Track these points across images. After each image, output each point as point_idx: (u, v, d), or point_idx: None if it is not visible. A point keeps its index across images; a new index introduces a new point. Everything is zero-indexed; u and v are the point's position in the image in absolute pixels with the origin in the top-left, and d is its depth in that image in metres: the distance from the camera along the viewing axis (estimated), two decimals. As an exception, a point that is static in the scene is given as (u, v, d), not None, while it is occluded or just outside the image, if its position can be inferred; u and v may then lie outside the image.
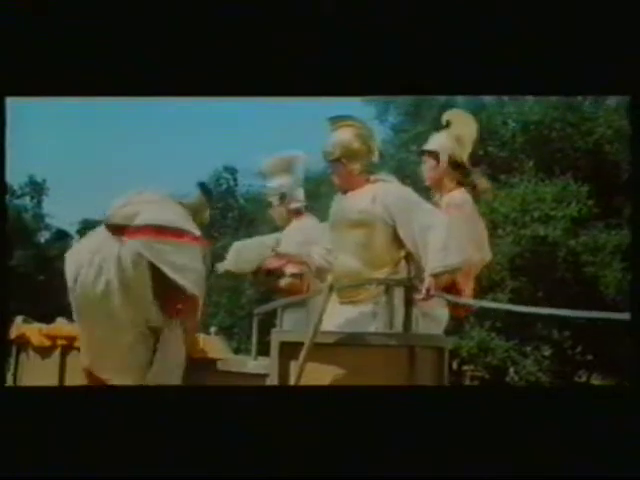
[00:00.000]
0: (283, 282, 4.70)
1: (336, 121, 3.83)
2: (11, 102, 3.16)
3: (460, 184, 4.05)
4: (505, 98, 15.01)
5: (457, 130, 4.12)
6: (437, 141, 4.15)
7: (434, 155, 4.08)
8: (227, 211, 19.90)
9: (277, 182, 4.95)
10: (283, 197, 4.91)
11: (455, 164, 4.06)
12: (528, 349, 12.08)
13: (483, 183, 4.09)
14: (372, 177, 3.79)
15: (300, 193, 4.97)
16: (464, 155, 4.11)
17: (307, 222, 4.85)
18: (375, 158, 3.85)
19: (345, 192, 3.81)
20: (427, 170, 4.11)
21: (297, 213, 4.92)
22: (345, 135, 3.77)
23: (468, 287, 3.87)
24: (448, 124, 4.15)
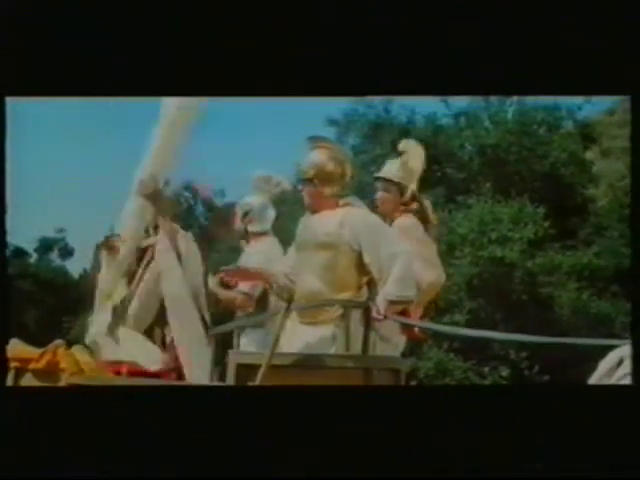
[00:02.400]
0: (230, 296, 4.67)
1: (314, 141, 3.86)
2: (11, 102, 3.17)
3: (409, 212, 4.12)
4: (462, 122, 15.27)
5: (410, 160, 4.22)
6: (392, 169, 4.22)
7: (390, 182, 4.19)
8: (186, 230, 19.81)
9: (248, 198, 4.94)
10: (245, 215, 4.88)
11: (407, 193, 4.16)
12: (486, 369, 12.18)
13: (431, 215, 4.17)
14: (342, 201, 3.82)
15: (268, 216, 4.92)
16: (414, 184, 4.20)
17: (267, 244, 4.81)
18: (348, 182, 3.89)
19: (313, 212, 3.83)
20: (381, 197, 4.18)
21: (257, 235, 4.87)
22: (321, 156, 3.80)
23: (416, 314, 3.93)
24: (402, 153, 4.25)
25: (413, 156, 4.24)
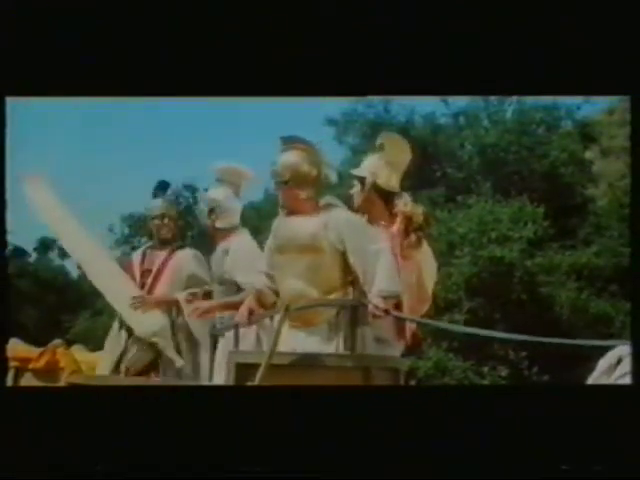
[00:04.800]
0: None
1: (288, 142, 3.79)
2: (11, 102, 3.18)
3: (390, 211, 4.01)
4: (461, 122, 15.28)
5: (389, 155, 4.02)
6: (365, 166, 4.06)
7: (360, 180, 4.01)
8: (186, 230, 19.80)
9: (214, 193, 4.62)
10: (212, 211, 4.54)
11: (381, 190, 3.98)
12: (485, 369, 12.19)
13: (409, 210, 4.00)
14: (322, 201, 3.80)
15: (235, 210, 4.60)
16: (393, 180, 4.02)
17: (240, 241, 4.52)
18: (324, 182, 3.82)
19: (289, 214, 3.80)
20: (355, 194, 4.04)
21: (227, 231, 4.56)
22: (295, 158, 3.74)
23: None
24: (381, 148, 4.05)
25: (394, 151, 4.02)
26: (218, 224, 4.56)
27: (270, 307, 3.87)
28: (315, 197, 3.77)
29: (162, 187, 4.96)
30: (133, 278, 4.92)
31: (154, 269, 4.86)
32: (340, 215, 3.72)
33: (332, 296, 3.66)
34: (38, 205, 4.87)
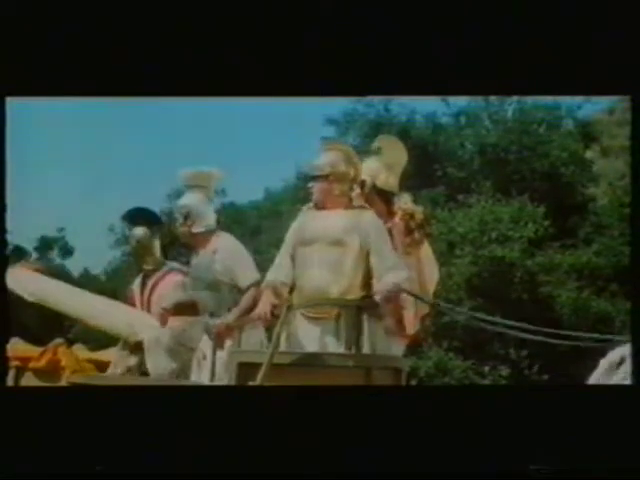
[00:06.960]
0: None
1: (330, 142, 3.97)
2: (11, 102, 3.20)
3: (388, 210, 4.12)
4: (462, 121, 15.27)
5: (386, 157, 4.19)
6: (364, 169, 4.20)
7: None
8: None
9: (185, 199, 4.60)
10: (187, 217, 4.52)
11: (380, 190, 4.15)
12: (486, 369, 12.18)
13: (410, 207, 4.10)
14: (355, 202, 3.89)
15: (209, 213, 4.58)
16: (391, 181, 4.18)
17: (223, 245, 4.50)
18: (358, 184, 3.94)
19: (320, 208, 3.88)
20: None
21: (206, 235, 4.54)
22: (336, 157, 3.90)
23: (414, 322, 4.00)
24: (378, 151, 4.24)
25: (391, 152, 4.21)
26: (195, 229, 4.53)
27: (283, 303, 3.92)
28: (347, 196, 3.88)
29: (129, 218, 5.01)
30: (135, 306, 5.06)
31: (146, 296, 4.99)
32: (371, 217, 3.85)
33: (350, 294, 3.71)
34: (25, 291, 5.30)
